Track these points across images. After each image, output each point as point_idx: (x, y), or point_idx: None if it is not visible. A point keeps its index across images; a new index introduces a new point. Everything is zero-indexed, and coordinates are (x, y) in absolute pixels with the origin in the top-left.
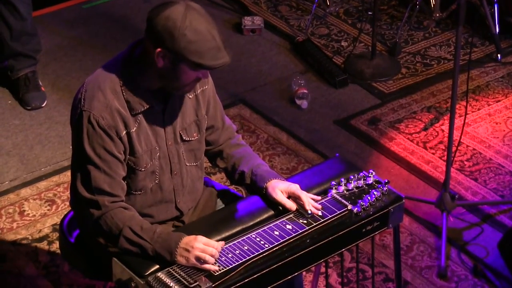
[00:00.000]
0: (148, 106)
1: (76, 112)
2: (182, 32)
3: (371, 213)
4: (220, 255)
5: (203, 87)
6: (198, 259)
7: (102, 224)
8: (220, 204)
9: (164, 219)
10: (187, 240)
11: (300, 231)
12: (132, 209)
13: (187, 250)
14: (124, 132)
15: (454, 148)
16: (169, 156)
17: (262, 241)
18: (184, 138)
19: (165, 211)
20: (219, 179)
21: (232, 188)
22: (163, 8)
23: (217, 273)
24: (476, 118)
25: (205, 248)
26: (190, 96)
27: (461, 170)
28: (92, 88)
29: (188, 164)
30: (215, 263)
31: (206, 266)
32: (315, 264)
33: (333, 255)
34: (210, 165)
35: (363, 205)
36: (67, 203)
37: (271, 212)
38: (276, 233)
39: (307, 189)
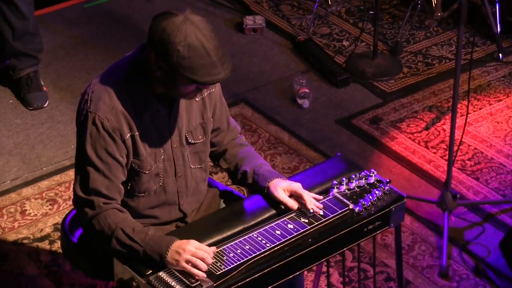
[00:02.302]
0: (153, 109)
1: (82, 113)
2: (176, 47)
3: (372, 212)
4: (221, 255)
5: (210, 90)
6: (188, 262)
7: (95, 223)
8: (223, 205)
9: (168, 220)
10: (179, 243)
11: (302, 231)
12: (125, 212)
13: (178, 253)
14: (129, 134)
15: (455, 148)
16: (174, 158)
17: (263, 240)
18: (190, 141)
19: (168, 212)
20: (221, 178)
21: (235, 189)
22: (163, 19)
23: (219, 272)
24: (478, 118)
25: (196, 251)
26: (197, 99)
27: (463, 169)
28: (99, 89)
29: (192, 167)
30: (207, 271)
31: (195, 271)
32: (317, 263)
33: (334, 254)
34: (212, 164)
35: (364, 204)
36: (69, 203)
37: (273, 211)
38: (278, 232)
39: (308, 188)
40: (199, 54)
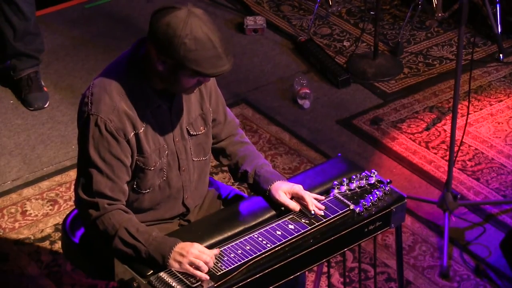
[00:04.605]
0: (155, 105)
1: (83, 116)
2: (182, 40)
3: (373, 212)
4: (222, 255)
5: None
6: (192, 264)
7: (99, 224)
8: (224, 206)
9: (171, 216)
10: (183, 245)
11: (302, 231)
12: (130, 212)
13: (182, 255)
14: (132, 133)
15: (456, 148)
16: (177, 152)
17: (264, 241)
18: (191, 132)
19: (172, 207)
20: (221, 178)
21: (236, 188)
22: (165, 14)
23: (219, 273)
24: (478, 118)
25: (200, 254)
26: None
27: (463, 170)
28: (99, 91)
29: (195, 159)
30: (208, 271)
31: (198, 273)
32: (317, 264)
33: (335, 254)
34: (213, 165)
35: (365, 204)
36: (70, 203)
37: (273, 212)
38: (278, 233)
39: (309, 189)
40: (206, 47)
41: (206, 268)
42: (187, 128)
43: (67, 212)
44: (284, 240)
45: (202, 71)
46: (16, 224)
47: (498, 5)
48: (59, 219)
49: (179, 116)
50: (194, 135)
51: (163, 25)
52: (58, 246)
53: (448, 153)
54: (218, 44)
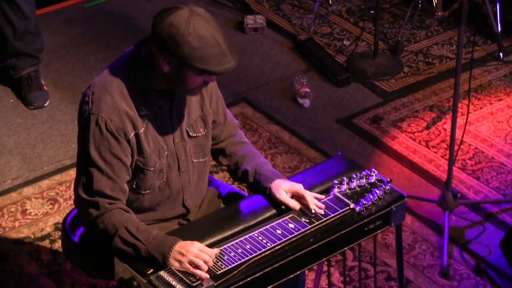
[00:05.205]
0: (155, 106)
1: (84, 115)
2: (186, 39)
3: (373, 211)
4: (222, 254)
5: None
6: (191, 263)
7: (99, 223)
8: (223, 205)
9: (171, 216)
10: (183, 244)
11: (303, 230)
12: (130, 212)
13: (182, 254)
14: (133, 133)
15: (456, 147)
16: (177, 153)
17: (264, 240)
18: (191, 134)
19: (172, 208)
20: (221, 178)
21: (236, 187)
22: (167, 14)
23: (219, 272)
24: (478, 117)
25: (200, 253)
26: None
27: (463, 169)
28: (99, 90)
29: (195, 161)
30: (208, 270)
31: (198, 272)
32: (318, 263)
33: (335, 253)
34: (213, 164)
35: (365, 203)
36: (70, 202)
37: (274, 211)
38: (279, 232)
39: (309, 188)
40: (210, 44)
41: (206, 267)
42: (187, 130)
43: (67, 211)
44: (284, 239)
45: (208, 68)
46: (16, 223)
47: (498, 4)
48: (59, 218)
49: (179, 117)
50: (194, 136)
51: (166, 25)
52: (58, 245)
53: (448, 152)
54: (222, 41)
